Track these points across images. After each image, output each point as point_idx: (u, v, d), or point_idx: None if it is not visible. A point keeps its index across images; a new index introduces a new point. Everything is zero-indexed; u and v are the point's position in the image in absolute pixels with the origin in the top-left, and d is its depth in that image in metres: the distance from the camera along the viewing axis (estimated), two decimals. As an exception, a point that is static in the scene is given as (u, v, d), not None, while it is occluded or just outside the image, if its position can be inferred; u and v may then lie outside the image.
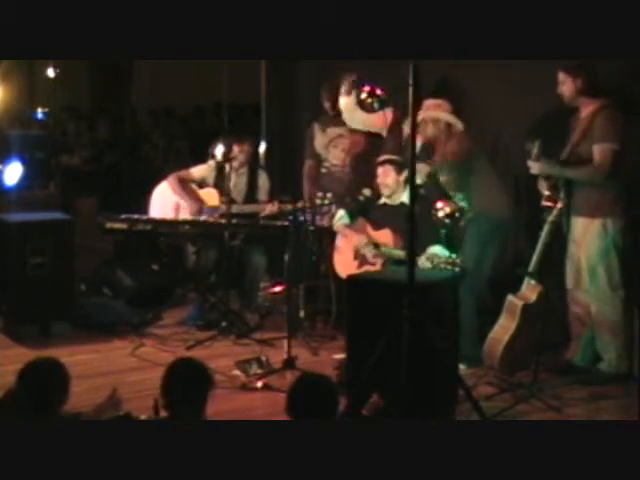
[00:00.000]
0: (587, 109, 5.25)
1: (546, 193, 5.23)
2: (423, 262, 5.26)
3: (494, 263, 5.62)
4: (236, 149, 6.56)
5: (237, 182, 6.61)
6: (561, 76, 5.27)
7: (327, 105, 6.72)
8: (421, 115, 5.59)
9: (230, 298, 6.47)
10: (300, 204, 6.10)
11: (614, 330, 5.28)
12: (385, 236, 5.85)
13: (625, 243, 5.26)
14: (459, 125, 5.67)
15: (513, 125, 5.91)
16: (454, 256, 5.23)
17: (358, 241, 5.93)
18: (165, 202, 6.60)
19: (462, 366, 5.22)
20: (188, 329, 6.44)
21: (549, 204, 5.21)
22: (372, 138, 6.52)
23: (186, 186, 6.61)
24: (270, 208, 6.38)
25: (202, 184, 6.67)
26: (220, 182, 6.55)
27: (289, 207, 6.05)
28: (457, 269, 5.14)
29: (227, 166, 6.40)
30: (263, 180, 6.73)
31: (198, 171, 6.72)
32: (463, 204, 5.62)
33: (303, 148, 7.02)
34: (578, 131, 5.27)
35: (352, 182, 6.52)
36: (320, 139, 6.80)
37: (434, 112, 5.67)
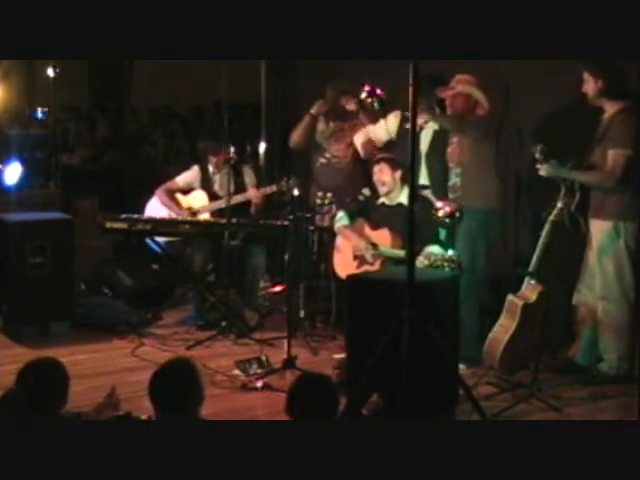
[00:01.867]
0: (609, 111, 5.22)
1: (562, 193, 5.19)
2: (421, 261, 5.26)
3: (487, 257, 5.63)
4: (213, 159, 6.62)
5: (222, 181, 6.61)
6: (585, 75, 5.23)
7: (344, 102, 6.71)
8: (455, 89, 5.63)
9: (230, 298, 6.47)
10: (284, 183, 6.19)
11: (619, 331, 5.27)
12: (383, 236, 5.85)
13: (638, 246, 5.26)
14: (486, 104, 5.65)
15: (513, 124, 5.91)
16: (452, 253, 5.24)
17: (357, 242, 5.94)
18: (158, 214, 6.67)
19: (462, 366, 5.22)
20: (188, 329, 6.45)
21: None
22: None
23: (173, 197, 6.71)
24: (254, 194, 6.45)
25: (189, 189, 6.72)
26: (207, 183, 6.67)
27: (274, 189, 6.35)
28: (455, 266, 5.15)
29: (210, 167, 6.62)
30: (249, 175, 6.75)
31: (183, 179, 6.80)
32: (457, 180, 5.65)
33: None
34: (599, 133, 5.25)
35: (352, 176, 6.52)
36: (323, 129, 6.81)
37: (468, 87, 5.66)
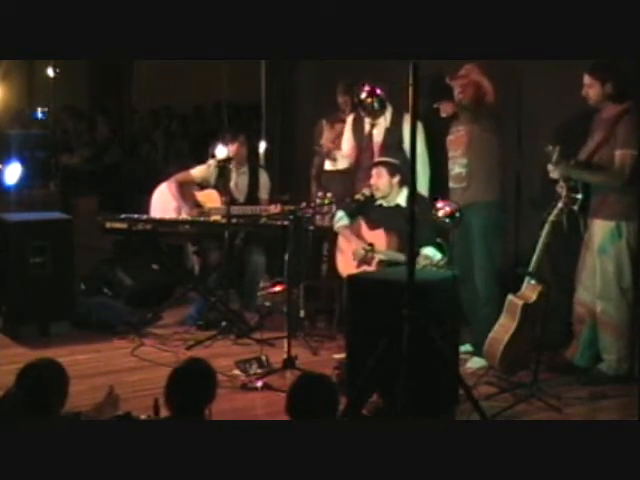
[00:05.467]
0: (610, 112, 5.20)
1: (564, 194, 5.19)
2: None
3: (504, 252, 5.68)
4: (231, 148, 6.55)
5: (238, 181, 6.61)
6: (587, 79, 5.19)
7: (341, 101, 6.74)
8: (468, 78, 5.59)
9: (230, 298, 6.47)
10: (303, 206, 6.09)
11: (618, 331, 5.27)
12: (378, 237, 5.86)
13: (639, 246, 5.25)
14: (492, 92, 5.59)
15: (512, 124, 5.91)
16: (439, 257, 5.27)
17: (355, 243, 5.94)
18: (166, 204, 6.61)
19: (484, 362, 5.30)
20: (188, 329, 6.45)
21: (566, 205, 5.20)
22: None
23: (184, 191, 6.62)
24: (273, 210, 6.36)
25: (203, 185, 6.68)
26: (221, 183, 6.55)
27: (292, 208, 6.04)
28: (442, 270, 5.20)
29: (229, 166, 6.44)
30: (264, 179, 6.75)
31: (198, 172, 6.72)
32: (462, 170, 5.64)
33: (310, 147, 7.03)
34: (600, 134, 5.23)
35: (355, 179, 6.51)
36: (328, 134, 6.81)
37: (479, 76, 5.58)
